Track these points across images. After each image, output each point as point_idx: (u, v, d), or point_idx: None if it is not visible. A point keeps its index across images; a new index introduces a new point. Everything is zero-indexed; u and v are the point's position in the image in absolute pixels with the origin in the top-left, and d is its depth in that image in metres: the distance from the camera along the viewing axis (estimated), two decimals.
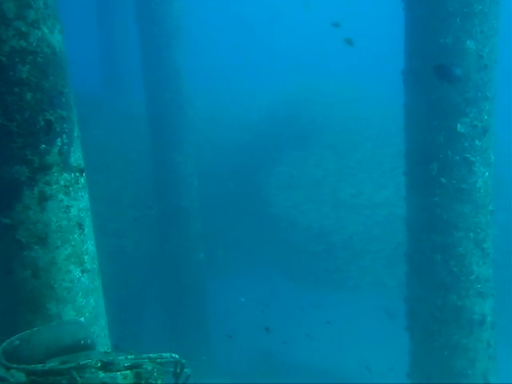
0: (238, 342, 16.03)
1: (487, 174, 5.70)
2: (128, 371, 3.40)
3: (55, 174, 4.24)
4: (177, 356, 3.87)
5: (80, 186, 4.52)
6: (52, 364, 3.41)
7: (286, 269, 13.44)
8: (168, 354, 3.89)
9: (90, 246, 4.65)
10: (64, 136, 4.27)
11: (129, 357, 3.63)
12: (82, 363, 3.35)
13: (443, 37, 5.35)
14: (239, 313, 16.51)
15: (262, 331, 14.73)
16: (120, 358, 3.63)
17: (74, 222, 4.41)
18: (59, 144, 4.22)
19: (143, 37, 11.22)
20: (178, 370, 3.78)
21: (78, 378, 3.20)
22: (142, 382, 3.43)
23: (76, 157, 4.46)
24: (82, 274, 4.49)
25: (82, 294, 4.47)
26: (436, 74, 5.11)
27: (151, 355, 3.85)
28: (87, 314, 4.52)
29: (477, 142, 5.59)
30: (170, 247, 11.65)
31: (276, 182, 13.57)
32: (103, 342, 4.71)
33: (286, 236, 12.99)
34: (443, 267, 5.84)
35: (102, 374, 3.32)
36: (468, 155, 5.58)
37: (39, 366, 3.30)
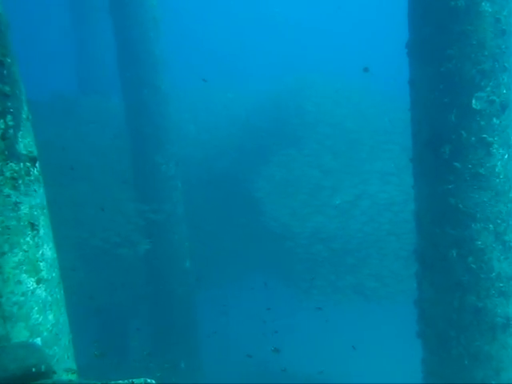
0: (230, 351, 15.50)
1: (507, 156, 5.02)
2: None
3: None
4: (153, 381, 3.22)
5: (32, 178, 3.78)
6: None
7: (284, 277, 12.75)
8: (142, 380, 3.23)
9: (48, 250, 3.90)
10: (8, 117, 3.53)
11: None
12: None
13: None
14: (231, 322, 15.92)
15: (256, 340, 14.19)
16: None
17: (25, 222, 3.67)
18: (2, 127, 3.48)
19: (117, 30, 10.53)
20: None
21: None
22: None
23: (26, 143, 3.72)
24: (38, 284, 3.75)
25: (37, 309, 3.72)
26: None
27: (120, 382, 3.17)
28: (45, 333, 3.77)
29: (495, 120, 4.90)
30: (154, 254, 10.91)
31: (268, 186, 12.81)
32: (66, 366, 3.94)
33: (285, 245, 12.25)
34: (460, 264, 5.13)
35: None
36: (485, 135, 4.89)
37: None
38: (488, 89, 4.82)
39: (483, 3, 4.62)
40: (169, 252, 11.02)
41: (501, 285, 5.13)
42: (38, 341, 3.68)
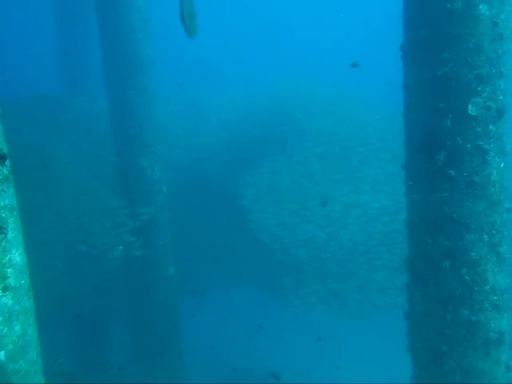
0: (214, 358, 15.26)
1: (503, 164, 4.85)
2: None
3: None
4: None
5: (1, 177, 3.51)
6: None
7: (271, 287, 12.52)
8: None
9: (17, 255, 3.61)
10: None
11: None
12: None
13: (451, 1, 4.52)
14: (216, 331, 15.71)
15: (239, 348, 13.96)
16: None
17: None
18: None
19: (104, 30, 10.31)
20: None
21: None
22: None
23: None
24: (4, 292, 3.47)
25: (2, 319, 3.44)
26: None
27: None
28: (10, 346, 3.48)
29: (491, 127, 4.73)
30: (136, 260, 10.63)
31: (257, 193, 12.58)
32: (32, 382, 3.65)
33: (273, 255, 12.01)
34: (453, 276, 4.94)
35: None
36: (481, 142, 4.71)
37: None
38: (485, 94, 4.65)
39: (480, 6, 4.46)
40: (152, 258, 10.76)
41: (495, 298, 4.94)
42: (2, 355, 3.40)
